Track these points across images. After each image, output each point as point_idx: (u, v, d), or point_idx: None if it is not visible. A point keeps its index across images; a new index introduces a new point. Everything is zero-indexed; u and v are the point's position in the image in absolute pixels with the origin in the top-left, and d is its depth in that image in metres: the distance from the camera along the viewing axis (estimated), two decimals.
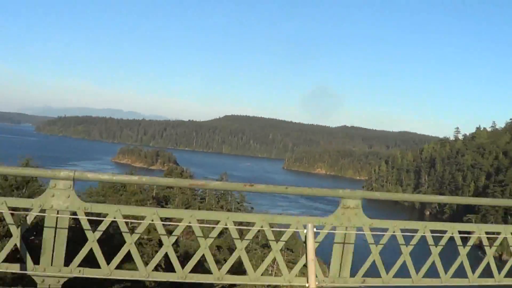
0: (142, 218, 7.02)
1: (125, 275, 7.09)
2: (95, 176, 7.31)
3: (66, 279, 6.88)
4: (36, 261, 6.84)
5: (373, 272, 7.49)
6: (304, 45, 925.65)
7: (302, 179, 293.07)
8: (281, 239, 7.36)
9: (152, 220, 6.95)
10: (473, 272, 7.79)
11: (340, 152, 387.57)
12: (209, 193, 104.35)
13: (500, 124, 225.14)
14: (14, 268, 6.80)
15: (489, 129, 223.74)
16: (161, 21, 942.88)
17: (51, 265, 6.80)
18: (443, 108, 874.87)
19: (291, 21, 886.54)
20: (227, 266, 7.12)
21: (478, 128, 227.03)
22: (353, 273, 7.45)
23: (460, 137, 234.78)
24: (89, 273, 7.04)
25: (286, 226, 7.22)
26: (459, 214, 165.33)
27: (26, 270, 6.76)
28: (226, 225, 6.96)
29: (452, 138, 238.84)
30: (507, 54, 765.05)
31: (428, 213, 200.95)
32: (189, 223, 6.94)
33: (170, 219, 8.13)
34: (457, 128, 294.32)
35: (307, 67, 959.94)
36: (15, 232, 6.76)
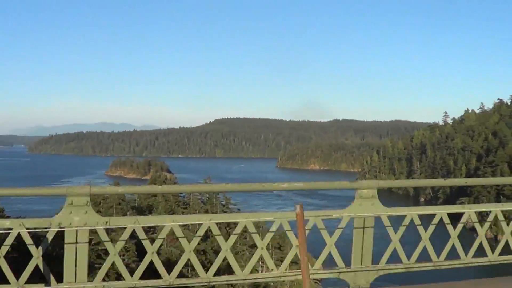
0: (159, 227, 7.06)
1: (149, 284, 7.09)
2: (112, 189, 7.33)
3: None
4: (59, 279, 6.83)
5: (392, 259, 7.55)
6: (290, 40, 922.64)
7: (296, 176, 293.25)
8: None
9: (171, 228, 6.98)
10: (493, 252, 7.87)
11: (333, 146, 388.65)
12: (193, 199, 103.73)
13: (489, 105, 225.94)
14: None
15: (477, 111, 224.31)
16: (145, 30, 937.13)
17: (75, 281, 6.80)
18: (432, 94, 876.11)
19: (276, 18, 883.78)
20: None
21: (466, 111, 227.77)
22: (374, 261, 7.52)
23: (449, 121, 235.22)
24: (113, 286, 7.05)
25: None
26: (452, 197, 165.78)
27: None
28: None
29: (441, 123, 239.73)
30: (491, 35, 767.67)
31: (422, 199, 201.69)
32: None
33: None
34: (445, 112, 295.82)
35: (295, 63, 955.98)
36: (35, 252, 6.75)
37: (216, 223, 7.09)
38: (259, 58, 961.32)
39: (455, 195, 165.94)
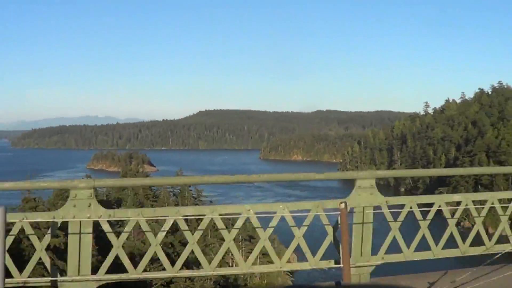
0: (164, 219, 7.09)
1: (155, 276, 7.15)
2: (115, 182, 7.32)
3: (95, 287, 6.91)
4: (63, 272, 6.85)
5: (392, 249, 7.67)
6: (274, 31, 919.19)
7: (278, 167, 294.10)
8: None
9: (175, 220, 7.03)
10: (490, 239, 8.05)
11: (315, 137, 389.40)
12: (163, 192, 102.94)
13: (470, 95, 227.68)
14: (42, 281, 6.79)
15: (458, 101, 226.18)
16: (129, 22, 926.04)
17: (78, 274, 6.82)
18: (415, 84, 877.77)
19: (260, 7, 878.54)
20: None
21: (447, 101, 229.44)
22: (374, 252, 7.64)
23: (430, 111, 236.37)
24: (116, 278, 7.09)
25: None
26: (431, 187, 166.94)
27: (54, 282, 6.76)
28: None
29: (422, 112, 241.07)
30: (475, 24, 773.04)
31: (403, 189, 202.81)
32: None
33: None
34: (426, 102, 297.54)
35: (279, 54, 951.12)
36: (39, 245, 6.77)
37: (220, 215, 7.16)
38: (243, 49, 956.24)
39: (435, 185, 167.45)
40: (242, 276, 63.72)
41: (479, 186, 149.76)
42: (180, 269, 7.12)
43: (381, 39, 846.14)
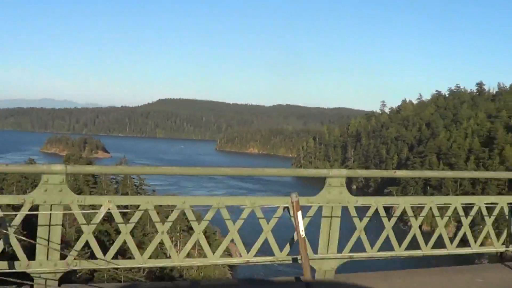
0: (136, 207, 7.10)
1: (123, 264, 7.16)
2: (88, 169, 7.26)
3: (62, 273, 6.87)
4: (31, 257, 6.77)
5: (358, 247, 7.89)
6: (237, 22, 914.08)
7: (234, 159, 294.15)
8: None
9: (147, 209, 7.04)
10: (451, 243, 8.39)
11: (272, 131, 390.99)
12: (105, 179, 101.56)
13: (427, 96, 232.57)
14: (8, 266, 6.69)
15: (415, 102, 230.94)
16: (89, 4, 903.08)
17: (47, 259, 6.76)
18: (375, 83, 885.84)
19: None
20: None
21: (403, 101, 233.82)
22: (340, 249, 7.83)
23: (387, 110, 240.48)
24: (85, 265, 7.07)
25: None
26: (383, 186, 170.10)
27: (20, 267, 6.68)
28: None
29: (379, 111, 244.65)
30: (433, 25, 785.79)
31: (354, 187, 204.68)
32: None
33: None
34: (383, 101, 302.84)
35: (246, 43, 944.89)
36: (7, 229, 6.65)
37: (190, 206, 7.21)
38: (206, 37, 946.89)
39: (385, 184, 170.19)
40: (178, 268, 63.22)
41: (428, 187, 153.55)
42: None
43: (343, 37, 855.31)
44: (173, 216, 7.20)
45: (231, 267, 75.28)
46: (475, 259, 55.57)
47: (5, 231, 6.57)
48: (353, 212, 7.81)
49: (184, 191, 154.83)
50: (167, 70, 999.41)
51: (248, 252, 7.41)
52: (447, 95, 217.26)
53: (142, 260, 7.17)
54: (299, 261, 7.29)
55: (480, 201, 8.68)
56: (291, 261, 7.68)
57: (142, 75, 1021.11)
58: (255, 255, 7.47)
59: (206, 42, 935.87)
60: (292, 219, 7.19)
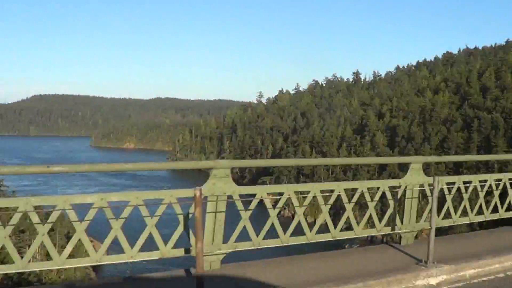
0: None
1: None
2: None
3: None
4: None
5: (244, 237, 7.87)
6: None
7: (110, 155, 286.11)
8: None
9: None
10: (335, 228, 8.64)
11: (149, 125, 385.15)
12: None
13: (304, 86, 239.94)
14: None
15: (292, 92, 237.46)
16: None
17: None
18: (253, 74, 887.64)
19: None
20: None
21: (280, 91, 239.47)
22: (225, 240, 7.78)
23: (264, 101, 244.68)
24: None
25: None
26: (257, 176, 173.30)
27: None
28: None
29: (255, 102, 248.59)
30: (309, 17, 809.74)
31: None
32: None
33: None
34: (260, 92, 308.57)
35: (123, 37, 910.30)
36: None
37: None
38: (82, 32, 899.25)
39: (260, 174, 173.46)
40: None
41: (301, 176, 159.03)
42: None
43: (224, 26, 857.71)
44: (54, 217, 6.79)
45: (95, 267, 72.46)
46: (346, 244, 58.60)
47: None
48: (238, 203, 7.78)
49: (55, 191, 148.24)
50: (42, 65, 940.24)
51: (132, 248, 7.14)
52: (324, 85, 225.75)
53: (21, 264, 6.61)
54: (191, 255, 7.33)
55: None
56: (177, 255, 7.53)
57: (15, 70, 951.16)
58: (139, 251, 7.21)
59: (81, 36, 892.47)
60: (184, 212, 7.27)
